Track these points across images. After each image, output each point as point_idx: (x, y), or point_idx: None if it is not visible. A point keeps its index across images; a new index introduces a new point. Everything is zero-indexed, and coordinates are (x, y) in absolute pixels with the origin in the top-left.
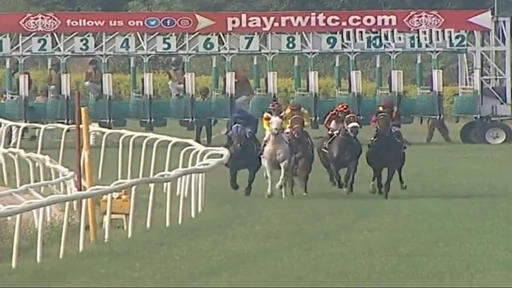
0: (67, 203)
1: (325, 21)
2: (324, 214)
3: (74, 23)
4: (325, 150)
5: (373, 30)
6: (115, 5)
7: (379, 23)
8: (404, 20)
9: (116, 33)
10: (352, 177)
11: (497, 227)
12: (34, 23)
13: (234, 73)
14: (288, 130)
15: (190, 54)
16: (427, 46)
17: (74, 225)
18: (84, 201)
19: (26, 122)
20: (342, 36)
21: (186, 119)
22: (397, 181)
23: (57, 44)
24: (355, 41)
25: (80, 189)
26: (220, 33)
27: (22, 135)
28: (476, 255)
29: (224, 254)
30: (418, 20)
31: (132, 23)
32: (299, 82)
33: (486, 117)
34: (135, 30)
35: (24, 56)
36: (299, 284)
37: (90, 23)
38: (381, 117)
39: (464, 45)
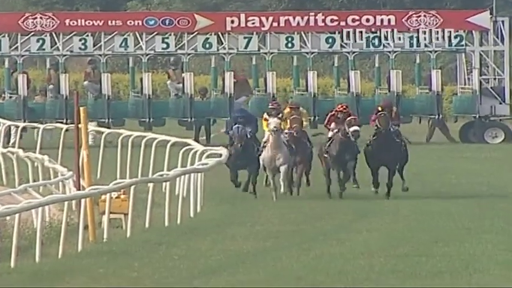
0: (66, 203)
1: (324, 21)
2: (324, 214)
3: (73, 23)
4: (326, 155)
5: (372, 30)
6: (114, 4)
7: (378, 23)
8: (403, 20)
9: (114, 33)
10: (347, 177)
11: (497, 227)
12: (33, 22)
13: (232, 73)
14: (287, 130)
15: (189, 54)
16: (425, 46)
17: (73, 225)
18: (83, 201)
19: (24, 121)
20: (342, 36)
21: (185, 119)
22: (398, 181)
23: (55, 43)
24: (354, 41)
25: (78, 189)
26: (219, 33)
27: (21, 135)
28: (475, 255)
29: (223, 254)
30: (416, 20)
31: (130, 22)
32: (298, 82)
33: (485, 117)
34: (134, 30)
35: (23, 55)
36: (298, 284)
37: (89, 23)
38: (381, 115)
39: (463, 45)
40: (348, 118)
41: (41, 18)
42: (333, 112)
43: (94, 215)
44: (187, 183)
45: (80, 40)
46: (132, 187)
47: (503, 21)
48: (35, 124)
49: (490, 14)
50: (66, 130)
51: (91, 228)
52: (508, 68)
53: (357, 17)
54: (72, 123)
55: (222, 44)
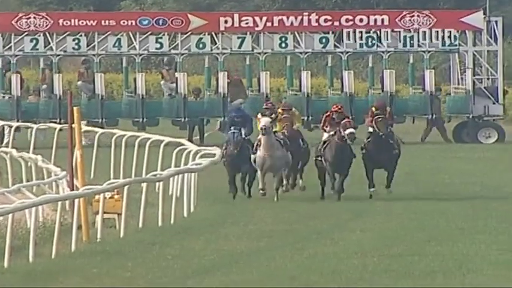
0: (59, 203)
1: (317, 21)
2: (317, 214)
3: (66, 23)
4: (319, 158)
5: (366, 30)
6: (107, 4)
7: (372, 23)
8: (397, 20)
9: (108, 33)
10: (341, 181)
11: (490, 227)
12: (26, 22)
13: (226, 73)
14: (279, 132)
15: (182, 54)
16: (419, 46)
17: (67, 224)
18: (76, 201)
19: (18, 121)
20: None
21: (179, 119)
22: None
23: (49, 43)
24: (349, 41)
25: (72, 189)
26: (213, 33)
27: (14, 136)
28: (468, 255)
29: (217, 253)
30: (410, 20)
31: (124, 22)
32: (291, 82)
33: (478, 116)
34: (128, 30)
35: (17, 55)
36: (292, 284)
37: (82, 23)
38: (379, 119)
39: (456, 45)
40: (343, 121)
41: (34, 18)
42: (328, 113)
43: (87, 215)
44: (180, 183)
45: (74, 40)
46: (126, 187)
47: (496, 21)
48: (29, 124)
49: (483, 14)
50: (60, 130)
51: (84, 228)
52: (502, 68)
53: (350, 17)
54: (65, 123)
55: (216, 44)
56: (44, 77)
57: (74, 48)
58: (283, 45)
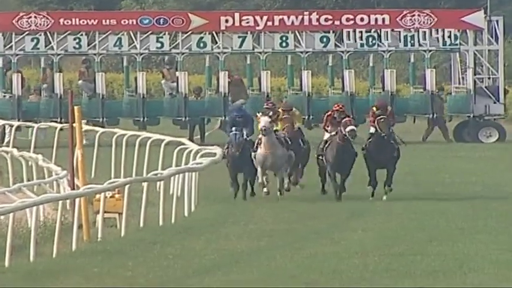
0: (60, 202)
1: (318, 20)
2: (317, 213)
3: (67, 22)
4: (320, 157)
5: (366, 29)
6: (108, 4)
7: (372, 22)
8: (398, 19)
9: (109, 32)
10: (343, 181)
11: (490, 227)
12: (27, 21)
13: (227, 72)
14: (280, 131)
15: (183, 53)
16: (420, 45)
17: (67, 224)
18: (77, 200)
19: (18, 120)
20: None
21: (179, 118)
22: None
23: (50, 43)
24: (350, 40)
25: (73, 188)
26: (214, 32)
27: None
28: (469, 255)
29: (217, 253)
30: (411, 19)
31: (125, 22)
32: (292, 81)
33: (479, 116)
34: (128, 29)
35: (17, 54)
36: (292, 283)
37: (83, 22)
38: (381, 120)
39: (457, 45)
40: (344, 120)
41: (35, 17)
42: (330, 112)
43: (88, 214)
44: (181, 183)
45: (74, 39)
46: (127, 186)
47: (497, 21)
48: (29, 123)
49: (484, 14)
50: (61, 129)
51: (85, 227)
52: (502, 67)
53: (351, 16)
54: (66, 123)
55: (217, 43)
56: (45, 76)
57: (74, 47)
58: (284, 44)
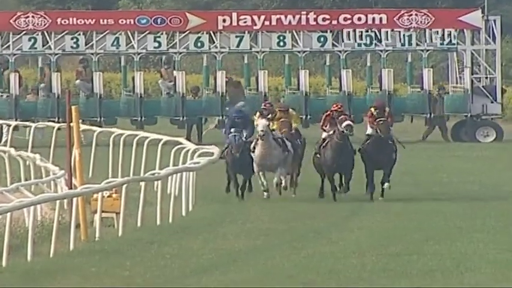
0: (58, 202)
1: (315, 19)
2: (315, 213)
3: (65, 22)
4: (318, 156)
5: (364, 29)
6: (105, 3)
7: (370, 22)
8: (395, 19)
9: (106, 32)
10: (347, 184)
11: (488, 226)
12: (25, 21)
13: (224, 72)
14: (277, 132)
15: (181, 53)
16: (417, 45)
17: (65, 223)
18: (74, 199)
19: (16, 120)
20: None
21: (177, 118)
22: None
23: (47, 42)
24: (348, 40)
25: (70, 188)
26: (211, 32)
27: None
28: (466, 254)
29: (215, 252)
30: (408, 19)
31: (122, 21)
32: (290, 81)
33: (476, 115)
34: (126, 29)
35: (15, 54)
36: (290, 283)
37: (80, 22)
38: (381, 122)
39: (454, 44)
40: (340, 117)
41: (32, 17)
42: (328, 112)
43: (86, 214)
44: (179, 182)
45: (72, 39)
46: (124, 186)
47: (494, 20)
48: (27, 123)
49: (481, 13)
50: (58, 129)
51: (83, 227)
52: (500, 66)
53: (348, 16)
54: (64, 122)
55: (214, 42)
56: (43, 76)
57: (72, 47)
58: (282, 44)
